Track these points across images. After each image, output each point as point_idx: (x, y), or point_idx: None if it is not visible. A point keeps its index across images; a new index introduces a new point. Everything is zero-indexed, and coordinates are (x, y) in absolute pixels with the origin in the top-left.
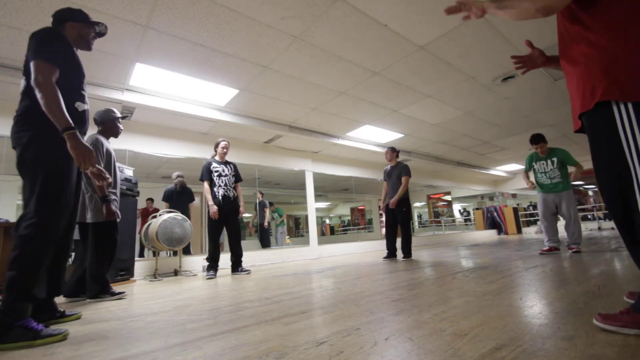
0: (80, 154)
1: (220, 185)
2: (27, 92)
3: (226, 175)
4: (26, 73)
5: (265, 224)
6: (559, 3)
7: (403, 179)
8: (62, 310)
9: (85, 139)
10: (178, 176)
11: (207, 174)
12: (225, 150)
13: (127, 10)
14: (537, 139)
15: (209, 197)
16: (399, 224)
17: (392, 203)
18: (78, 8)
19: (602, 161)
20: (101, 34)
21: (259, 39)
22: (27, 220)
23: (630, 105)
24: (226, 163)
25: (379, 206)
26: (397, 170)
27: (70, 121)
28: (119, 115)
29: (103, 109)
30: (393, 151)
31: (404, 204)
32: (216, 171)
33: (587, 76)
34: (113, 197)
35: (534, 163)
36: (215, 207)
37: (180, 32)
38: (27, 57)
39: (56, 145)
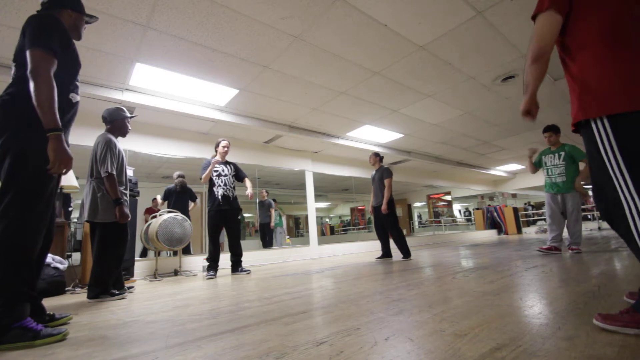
0: (59, 159)
1: (219, 185)
2: (21, 80)
3: (226, 175)
4: (18, 59)
5: (272, 224)
6: (546, 41)
7: (385, 182)
8: (51, 313)
9: (97, 139)
10: (179, 176)
11: (205, 168)
12: (226, 149)
13: (127, 10)
14: (546, 128)
15: (208, 169)
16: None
17: (384, 209)
18: None
19: (591, 175)
20: (88, 23)
21: (259, 39)
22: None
23: (605, 121)
24: (226, 163)
25: (370, 209)
26: (379, 173)
27: (59, 122)
28: (128, 114)
29: (113, 107)
30: (376, 156)
31: (388, 206)
32: (215, 171)
33: (572, 98)
34: (125, 198)
35: (543, 157)
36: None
37: (180, 32)
38: (21, 42)
39: (41, 145)
